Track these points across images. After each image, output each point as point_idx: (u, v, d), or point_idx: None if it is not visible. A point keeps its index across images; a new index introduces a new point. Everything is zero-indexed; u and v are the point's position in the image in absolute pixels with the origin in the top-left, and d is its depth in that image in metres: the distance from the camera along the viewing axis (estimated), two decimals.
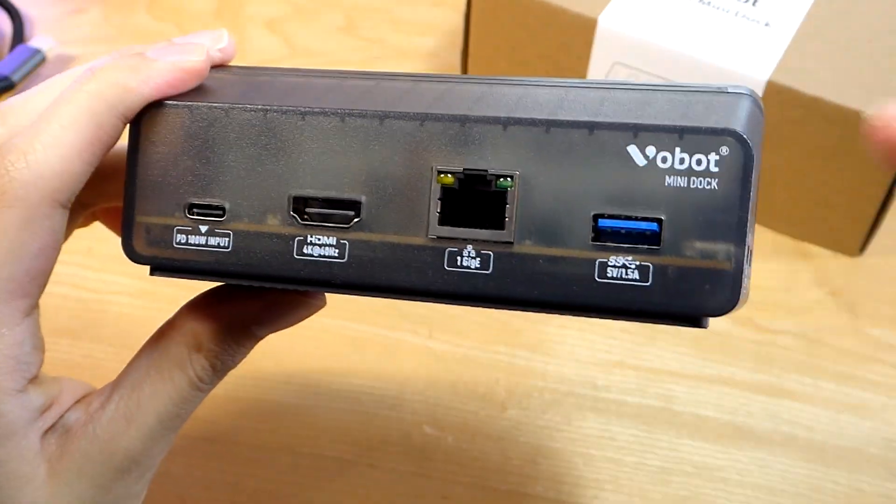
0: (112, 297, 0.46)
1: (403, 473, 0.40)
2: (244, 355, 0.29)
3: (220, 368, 0.28)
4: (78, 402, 0.28)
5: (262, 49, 0.61)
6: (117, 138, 0.26)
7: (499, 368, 0.44)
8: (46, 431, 0.27)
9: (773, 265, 0.49)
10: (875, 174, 0.46)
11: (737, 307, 0.23)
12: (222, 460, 0.40)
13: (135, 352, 0.45)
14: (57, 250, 0.26)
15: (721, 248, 0.22)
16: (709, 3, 0.49)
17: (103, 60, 0.26)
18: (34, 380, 0.27)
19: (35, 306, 0.26)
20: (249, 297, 0.28)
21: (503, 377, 0.44)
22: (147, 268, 0.27)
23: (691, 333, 0.46)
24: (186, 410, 0.28)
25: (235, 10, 0.64)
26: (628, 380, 0.44)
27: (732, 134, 0.22)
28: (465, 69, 0.55)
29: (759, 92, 0.45)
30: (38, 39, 0.58)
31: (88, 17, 0.63)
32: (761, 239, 0.50)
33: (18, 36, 0.59)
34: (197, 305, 0.28)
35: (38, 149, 0.24)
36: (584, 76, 0.50)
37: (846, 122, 0.45)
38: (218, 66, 0.28)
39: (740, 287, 0.23)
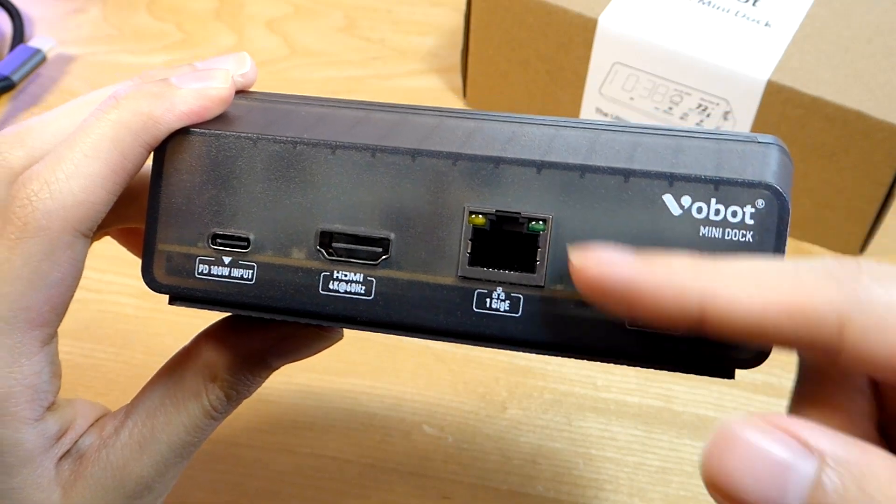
0: (112, 297, 0.46)
1: (403, 473, 0.40)
2: (259, 385, 0.28)
3: (234, 398, 0.28)
4: (92, 425, 0.28)
5: (262, 49, 0.61)
6: (140, 167, 0.25)
7: (499, 368, 0.44)
8: (61, 458, 0.27)
9: None
10: (875, 174, 0.46)
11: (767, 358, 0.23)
12: (224, 461, 0.40)
13: (135, 352, 0.45)
14: (77, 279, 0.26)
15: None
16: (709, 3, 0.49)
17: (127, 87, 0.26)
18: (51, 407, 0.27)
19: (54, 335, 0.26)
20: (267, 327, 0.27)
21: (503, 377, 0.44)
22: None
23: None
24: (200, 439, 0.28)
25: (235, 10, 0.64)
26: (628, 380, 0.44)
27: (769, 188, 0.22)
28: (465, 69, 0.55)
29: (759, 92, 0.45)
30: (38, 39, 0.58)
31: (88, 17, 0.63)
32: None
33: (18, 36, 0.59)
34: (213, 334, 0.28)
35: (60, 178, 0.24)
36: (584, 76, 0.50)
37: (846, 122, 0.45)
38: (240, 92, 0.27)
39: None
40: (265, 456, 0.41)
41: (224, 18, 0.63)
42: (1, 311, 0.24)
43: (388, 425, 0.42)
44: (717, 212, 0.23)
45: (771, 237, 0.22)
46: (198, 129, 0.25)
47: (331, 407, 0.43)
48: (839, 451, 0.18)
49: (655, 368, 0.24)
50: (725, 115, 0.47)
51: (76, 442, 0.27)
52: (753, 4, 0.49)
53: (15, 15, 0.60)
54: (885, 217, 0.47)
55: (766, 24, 0.48)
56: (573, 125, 0.25)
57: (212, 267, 0.25)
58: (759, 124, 0.47)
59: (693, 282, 0.20)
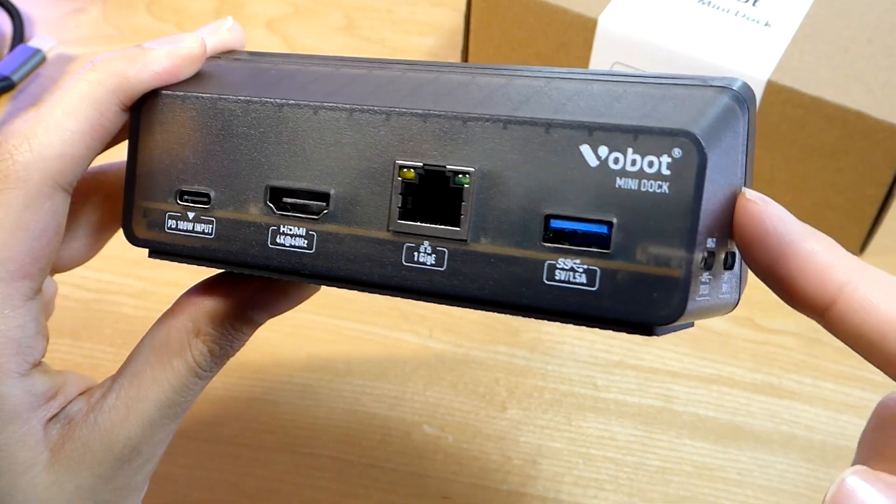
0: (112, 297, 0.46)
1: (403, 473, 0.40)
2: (243, 342, 0.29)
3: (218, 354, 0.28)
4: (81, 394, 0.28)
5: (261, 49, 0.61)
6: (118, 126, 0.27)
7: (499, 368, 0.44)
8: (49, 420, 0.27)
9: None
10: (875, 174, 0.46)
11: (689, 314, 0.22)
12: (223, 461, 0.40)
13: None
14: (59, 234, 0.26)
15: (670, 253, 0.21)
16: (709, 3, 0.49)
17: (104, 54, 0.27)
18: (38, 366, 0.27)
19: (38, 290, 0.26)
20: (243, 281, 0.28)
21: (503, 377, 0.44)
22: (144, 253, 0.28)
23: (691, 333, 0.46)
24: (186, 398, 0.28)
25: (235, 10, 0.64)
26: (628, 380, 0.44)
27: (687, 135, 0.21)
28: None
29: (759, 92, 0.45)
30: (38, 39, 0.58)
31: (88, 17, 0.63)
32: None
33: (18, 36, 0.59)
34: (195, 293, 0.29)
35: (40, 132, 0.25)
36: None
37: (846, 122, 0.45)
38: (229, 53, 0.29)
39: (687, 294, 0.21)
40: (265, 456, 0.41)
41: None
42: None
43: (388, 425, 0.42)
44: (634, 162, 0.22)
45: (688, 189, 0.21)
46: (167, 91, 0.27)
47: (331, 407, 0.43)
48: None
49: (572, 323, 0.23)
50: None
51: (65, 408, 0.27)
52: (753, 4, 0.49)
53: (15, 15, 0.60)
54: (885, 217, 0.47)
55: (766, 24, 0.48)
56: (528, 74, 0.25)
57: (178, 222, 0.27)
58: (759, 124, 0.47)
59: (841, 268, 0.21)
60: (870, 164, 0.45)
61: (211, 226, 0.26)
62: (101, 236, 0.32)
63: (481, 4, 0.51)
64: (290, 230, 0.25)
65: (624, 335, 0.46)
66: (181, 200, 0.27)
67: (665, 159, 0.21)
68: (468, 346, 0.45)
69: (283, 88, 0.26)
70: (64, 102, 0.26)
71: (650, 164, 0.21)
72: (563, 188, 0.22)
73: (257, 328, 0.29)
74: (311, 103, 0.25)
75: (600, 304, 0.22)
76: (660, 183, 0.21)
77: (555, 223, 0.22)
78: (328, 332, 0.45)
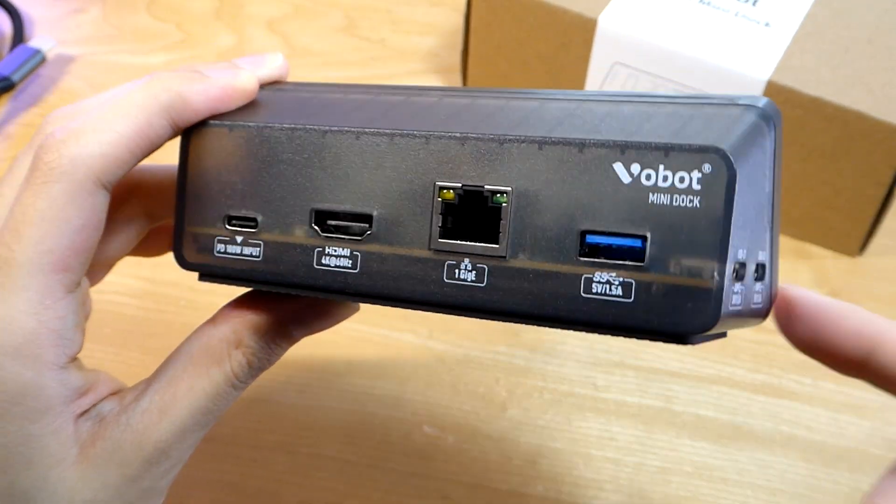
0: (112, 297, 0.46)
1: (403, 473, 0.40)
2: (279, 356, 0.30)
3: (255, 366, 0.29)
4: (112, 394, 0.29)
5: (262, 49, 0.61)
6: (164, 140, 0.27)
7: (499, 368, 0.44)
8: (81, 415, 0.27)
9: None
10: (875, 174, 0.46)
11: (722, 324, 0.23)
12: (223, 460, 0.40)
13: (135, 352, 0.45)
14: (98, 231, 0.27)
15: (703, 265, 0.22)
16: (709, 3, 0.49)
17: (163, 71, 0.28)
18: (74, 360, 0.27)
19: (77, 284, 0.27)
20: (287, 299, 0.29)
21: (503, 377, 0.44)
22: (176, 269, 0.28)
23: None
24: (219, 407, 0.29)
25: (235, 10, 0.64)
26: (628, 380, 0.44)
27: (716, 151, 0.22)
28: (465, 69, 0.55)
29: (759, 92, 0.45)
30: (38, 39, 0.58)
31: (88, 17, 0.63)
32: None
33: (18, 36, 0.59)
34: (238, 305, 0.29)
35: (87, 130, 0.26)
36: (584, 76, 0.50)
37: (846, 122, 0.45)
38: (274, 83, 0.30)
39: (720, 304, 0.22)
40: (265, 456, 0.41)
41: (224, 18, 0.63)
42: (27, 252, 0.26)
43: (388, 425, 0.42)
44: (665, 178, 0.22)
45: (718, 203, 0.22)
46: (215, 121, 0.28)
47: (331, 407, 0.43)
48: None
49: (610, 335, 0.24)
50: None
51: (96, 405, 0.28)
52: (753, 4, 0.49)
53: (15, 15, 0.60)
54: (885, 217, 0.47)
55: (766, 24, 0.48)
56: (560, 97, 0.26)
57: (227, 245, 0.28)
58: None
59: (869, 329, 0.24)
60: (870, 164, 0.45)
61: (259, 249, 0.27)
62: (135, 234, 0.32)
63: (481, 4, 0.51)
64: (335, 251, 0.26)
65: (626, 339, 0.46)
66: (229, 225, 0.28)
67: (696, 175, 0.22)
68: (468, 346, 0.45)
69: (326, 116, 0.27)
70: (116, 104, 0.27)
71: (681, 180, 0.22)
72: (598, 205, 0.23)
73: (294, 344, 0.30)
74: (354, 129, 0.26)
75: (636, 315, 0.23)
76: (691, 197, 0.22)
77: (590, 238, 0.23)
78: (328, 332, 0.45)
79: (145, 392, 0.28)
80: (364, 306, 0.32)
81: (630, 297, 0.23)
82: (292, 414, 0.42)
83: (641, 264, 0.23)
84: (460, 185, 0.25)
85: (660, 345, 0.45)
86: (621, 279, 0.23)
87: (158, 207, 0.33)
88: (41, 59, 0.57)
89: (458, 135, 0.25)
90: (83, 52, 0.60)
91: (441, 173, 0.25)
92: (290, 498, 0.40)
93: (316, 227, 0.27)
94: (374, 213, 0.26)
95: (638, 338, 0.24)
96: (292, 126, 0.27)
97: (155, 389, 0.28)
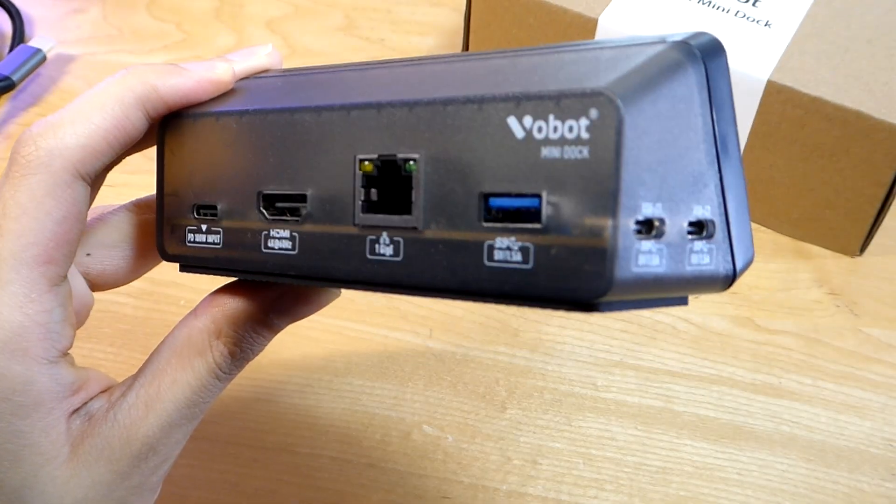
0: (112, 297, 0.46)
1: (403, 473, 0.40)
2: (262, 346, 0.29)
3: (238, 357, 0.29)
4: (102, 392, 0.29)
5: None
6: (140, 132, 0.28)
7: (499, 368, 0.44)
8: (72, 413, 0.27)
9: (773, 265, 0.49)
10: (875, 174, 0.46)
11: (627, 287, 0.20)
12: (223, 460, 0.40)
13: (135, 352, 0.45)
14: (80, 223, 0.27)
15: (596, 222, 0.20)
16: (709, 3, 0.49)
17: (140, 65, 0.29)
18: (65, 356, 0.27)
19: (63, 277, 0.27)
20: (266, 286, 0.29)
21: (503, 377, 0.44)
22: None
23: (691, 333, 0.46)
24: (204, 399, 0.28)
25: (235, 10, 0.64)
26: (628, 380, 0.44)
27: (599, 94, 0.20)
28: None
29: (759, 92, 0.45)
30: (38, 39, 0.58)
31: (88, 17, 0.63)
32: (761, 239, 0.50)
33: (18, 36, 0.59)
34: (217, 295, 0.29)
35: (65, 122, 0.26)
36: None
37: (846, 122, 0.45)
38: (261, 74, 0.30)
39: (616, 266, 0.20)
40: (264, 456, 0.41)
41: (224, 18, 0.63)
42: (9, 246, 0.26)
43: (388, 425, 0.42)
44: (556, 129, 0.20)
45: (608, 151, 0.20)
46: (185, 112, 0.28)
47: (331, 407, 0.43)
48: None
49: (516, 305, 0.22)
50: None
51: (86, 403, 0.28)
52: (753, 4, 0.49)
53: (15, 15, 0.60)
54: (885, 217, 0.47)
55: (766, 24, 0.48)
56: (476, 58, 0.24)
57: (195, 235, 0.28)
58: (759, 124, 0.47)
59: None
60: (870, 164, 0.45)
61: (219, 235, 0.27)
62: (145, 259, 0.32)
63: (481, 4, 0.51)
64: (278, 233, 0.26)
65: (624, 336, 0.46)
66: (197, 215, 0.28)
67: (583, 122, 0.20)
68: (468, 346, 0.45)
69: (273, 99, 0.27)
70: (92, 97, 0.27)
71: (570, 130, 0.20)
72: (496, 164, 0.21)
73: (278, 332, 0.30)
74: (289, 108, 0.26)
75: (537, 282, 0.21)
76: (580, 148, 0.20)
77: (493, 202, 0.22)
78: (328, 332, 0.45)
79: (131, 387, 0.28)
80: (359, 300, 0.32)
81: (529, 263, 0.21)
82: (292, 414, 0.42)
83: (539, 226, 0.21)
84: (376, 155, 0.24)
85: (660, 344, 0.45)
86: (520, 244, 0.21)
87: None
88: (41, 59, 0.57)
89: (373, 103, 0.24)
90: (83, 52, 0.60)
91: (362, 145, 0.24)
92: (290, 498, 0.40)
93: (263, 211, 0.26)
94: (309, 193, 0.25)
95: (542, 307, 0.21)
96: (242, 110, 0.27)
97: (140, 384, 0.28)
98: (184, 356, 0.28)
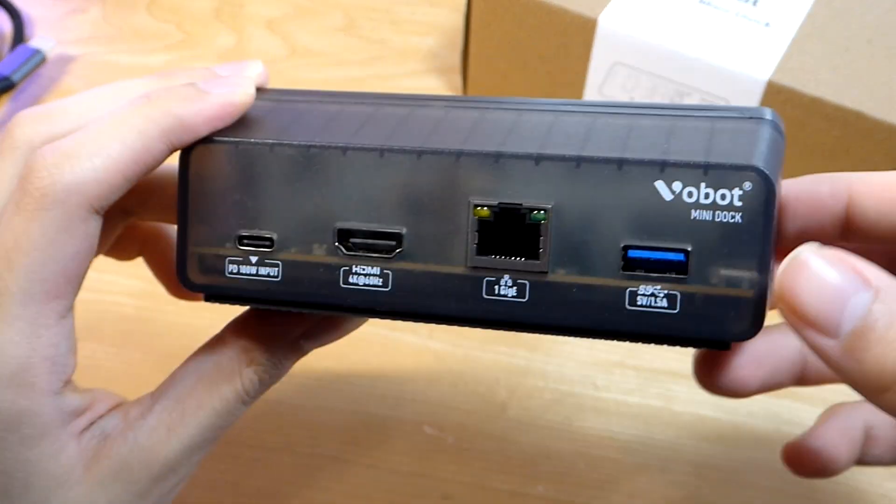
0: (112, 297, 0.46)
1: (403, 473, 0.40)
2: (288, 370, 0.29)
3: (266, 383, 0.29)
4: (114, 409, 0.28)
5: (262, 49, 0.61)
6: (159, 163, 0.26)
7: (499, 368, 0.44)
8: (81, 433, 0.27)
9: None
10: None
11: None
12: (223, 460, 0.40)
13: (135, 352, 0.45)
14: (90, 256, 0.26)
15: (745, 276, 0.23)
16: (709, 3, 0.49)
17: (159, 88, 0.27)
18: (69, 384, 0.27)
19: (70, 309, 0.27)
20: (299, 315, 0.28)
21: (503, 377, 0.44)
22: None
23: None
24: (228, 423, 0.28)
25: (235, 10, 0.64)
26: (628, 380, 0.44)
27: (755, 170, 0.23)
28: (465, 69, 0.55)
29: (759, 92, 0.45)
30: (38, 39, 0.58)
31: (88, 17, 0.63)
32: None
33: (18, 36, 0.59)
34: (245, 323, 0.29)
35: (83, 155, 0.25)
36: (584, 76, 0.50)
37: (846, 122, 0.45)
38: (257, 90, 0.29)
39: (763, 313, 0.23)
40: (265, 456, 0.41)
41: (224, 18, 0.63)
42: (19, 282, 0.25)
43: (388, 425, 0.42)
44: (707, 195, 0.23)
45: (759, 217, 0.23)
46: (219, 138, 0.26)
47: (331, 407, 0.43)
48: (892, 287, 0.21)
49: (656, 344, 0.25)
50: None
51: (97, 422, 0.28)
52: (753, 4, 0.49)
53: (15, 15, 0.60)
54: None
55: (766, 24, 0.48)
56: (571, 109, 0.26)
57: (240, 266, 0.27)
58: None
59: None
60: (870, 164, 0.45)
61: (276, 269, 0.26)
62: (110, 233, 0.32)
63: (481, 4, 0.51)
64: (363, 269, 0.26)
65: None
66: (241, 245, 0.26)
67: (737, 192, 0.23)
68: (468, 346, 0.45)
69: (339, 132, 0.26)
70: (113, 129, 0.25)
71: (723, 197, 0.23)
72: (640, 220, 0.24)
73: (303, 357, 0.30)
74: (376, 147, 0.25)
75: (682, 325, 0.24)
76: (733, 214, 0.23)
77: (632, 253, 0.24)
78: None
79: (151, 409, 0.28)
80: None
81: (675, 308, 0.24)
82: (292, 414, 0.42)
83: (684, 276, 0.24)
84: (496, 203, 0.25)
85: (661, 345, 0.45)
86: (666, 291, 0.24)
87: (132, 203, 0.32)
88: (41, 59, 0.57)
89: (491, 152, 0.25)
90: (83, 52, 0.60)
91: (474, 190, 0.25)
92: (290, 498, 0.40)
93: (339, 246, 0.26)
94: (404, 232, 0.25)
95: (682, 346, 0.24)
96: (308, 144, 0.26)
97: (163, 407, 0.28)
98: (212, 382, 0.28)
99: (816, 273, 0.22)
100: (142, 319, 0.46)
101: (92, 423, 0.28)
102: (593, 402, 0.43)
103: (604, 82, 0.50)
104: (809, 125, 0.45)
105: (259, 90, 0.29)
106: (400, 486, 0.40)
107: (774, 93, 0.45)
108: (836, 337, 0.21)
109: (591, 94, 0.50)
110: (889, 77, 0.45)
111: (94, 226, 0.26)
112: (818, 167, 0.47)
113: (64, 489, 0.26)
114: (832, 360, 0.21)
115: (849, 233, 0.27)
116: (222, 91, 0.27)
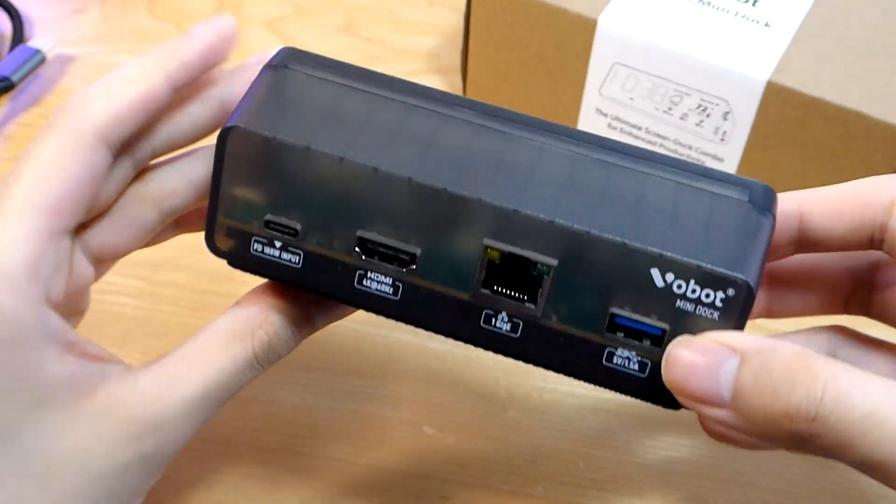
0: (112, 297, 0.46)
1: (403, 473, 0.40)
2: (297, 343, 0.31)
3: (275, 348, 0.30)
4: (118, 362, 0.29)
5: (262, 49, 0.60)
6: (165, 101, 0.30)
7: (499, 368, 0.44)
8: (74, 362, 0.27)
9: None
10: (875, 174, 0.46)
11: None
12: (223, 460, 0.40)
13: (135, 352, 0.45)
14: (94, 185, 0.29)
15: None
16: (709, 3, 0.49)
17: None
18: (57, 307, 0.28)
19: (65, 233, 0.28)
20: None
21: (503, 377, 0.44)
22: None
23: None
24: (234, 385, 0.29)
25: (235, 10, 0.64)
26: None
27: (743, 283, 0.26)
28: (464, 69, 0.55)
29: (759, 92, 0.45)
30: (38, 39, 0.58)
31: (88, 17, 0.63)
32: None
33: (18, 36, 0.59)
34: (264, 290, 0.31)
35: (98, 94, 0.29)
36: (583, 76, 0.50)
37: (846, 123, 0.45)
38: (296, 62, 0.31)
39: None
40: (265, 456, 0.41)
41: None
42: (23, 190, 0.27)
43: (388, 425, 0.42)
44: (694, 291, 0.26)
45: (733, 320, 0.26)
46: (254, 130, 0.28)
47: (331, 407, 0.43)
48: (755, 344, 0.25)
49: (620, 393, 0.28)
50: (725, 116, 0.47)
51: (96, 363, 0.28)
52: (753, 4, 0.49)
53: (15, 15, 0.60)
54: None
55: (766, 24, 0.48)
56: (587, 153, 0.28)
57: (265, 247, 0.29)
58: (759, 124, 0.47)
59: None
60: (870, 164, 0.45)
61: (298, 257, 0.29)
62: (149, 230, 0.33)
63: (481, 4, 0.51)
64: (377, 276, 0.28)
65: None
66: (268, 228, 0.28)
67: (720, 295, 0.26)
68: (468, 347, 0.45)
69: (370, 144, 0.28)
70: (123, 74, 0.30)
71: (707, 296, 0.26)
72: (631, 295, 0.27)
73: (311, 334, 0.31)
74: (405, 176, 0.27)
75: (647, 387, 0.28)
76: (712, 311, 0.26)
77: (618, 319, 0.27)
78: (328, 332, 0.45)
79: (157, 361, 0.29)
80: None
81: (644, 374, 0.27)
82: (292, 414, 0.42)
83: (658, 349, 0.27)
84: (508, 251, 0.27)
85: None
86: (639, 358, 0.27)
87: (185, 217, 0.34)
88: (41, 60, 0.57)
89: (510, 209, 0.27)
90: (83, 52, 0.60)
91: (489, 233, 0.27)
92: (291, 498, 0.40)
93: (359, 250, 0.28)
94: (419, 253, 0.28)
95: (640, 400, 0.28)
96: (341, 156, 0.27)
97: (168, 360, 0.29)
98: (223, 340, 0.29)
99: (688, 363, 0.25)
100: (142, 320, 0.46)
101: (91, 361, 0.28)
102: (593, 402, 0.43)
103: (603, 83, 0.50)
104: (809, 125, 0.46)
105: (296, 56, 0.31)
106: (400, 486, 0.40)
107: (774, 93, 0.45)
108: (724, 405, 0.25)
109: (591, 94, 0.50)
110: (889, 77, 0.45)
111: (101, 157, 0.28)
112: (818, 167, 0.47)
113: (48, 410, 0.26)
114: (730, 422, 0.25)
115: (804, 246, 0.31)
116: (207, 28, 0.31)
